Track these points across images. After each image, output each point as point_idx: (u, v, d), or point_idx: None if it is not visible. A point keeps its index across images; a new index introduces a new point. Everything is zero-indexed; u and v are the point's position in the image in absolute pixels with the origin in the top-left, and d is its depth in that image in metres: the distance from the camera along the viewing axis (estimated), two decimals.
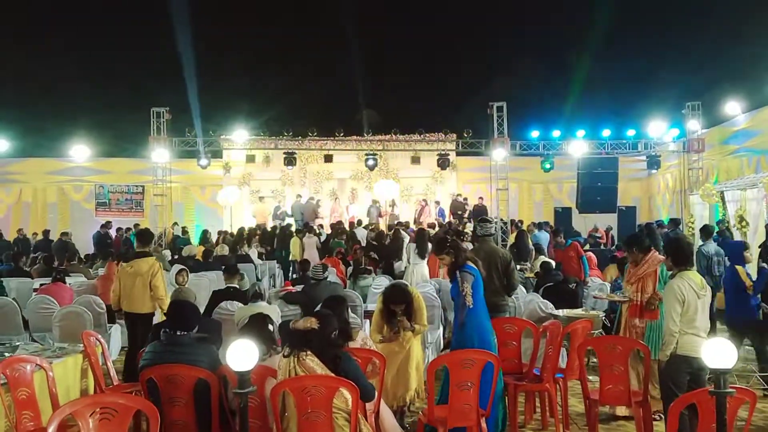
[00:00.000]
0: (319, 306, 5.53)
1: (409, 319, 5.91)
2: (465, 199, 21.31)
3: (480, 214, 19.74)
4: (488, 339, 5.76)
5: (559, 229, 13.43)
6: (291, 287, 9.47)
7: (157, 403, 4.43)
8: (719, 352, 3.44)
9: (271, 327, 5.26)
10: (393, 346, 5.88)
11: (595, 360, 6.77)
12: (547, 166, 19.00)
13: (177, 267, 8.59)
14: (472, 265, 5.87)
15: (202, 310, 8.20)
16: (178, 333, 4.79)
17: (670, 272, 5.38)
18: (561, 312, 7.84)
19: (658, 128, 18.84)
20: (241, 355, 3.59)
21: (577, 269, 11.25)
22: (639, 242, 6.63)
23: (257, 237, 17.61)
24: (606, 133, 19.20)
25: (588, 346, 5.96)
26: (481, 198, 20.92)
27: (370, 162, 19.62)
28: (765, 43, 17.39)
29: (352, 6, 22.24)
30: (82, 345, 6.14)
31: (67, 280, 10.48)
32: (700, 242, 9.85)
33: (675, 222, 14.17)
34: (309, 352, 4.22)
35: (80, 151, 21.98)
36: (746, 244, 8.25)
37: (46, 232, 18.61)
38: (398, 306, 5.91)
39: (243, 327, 5.34)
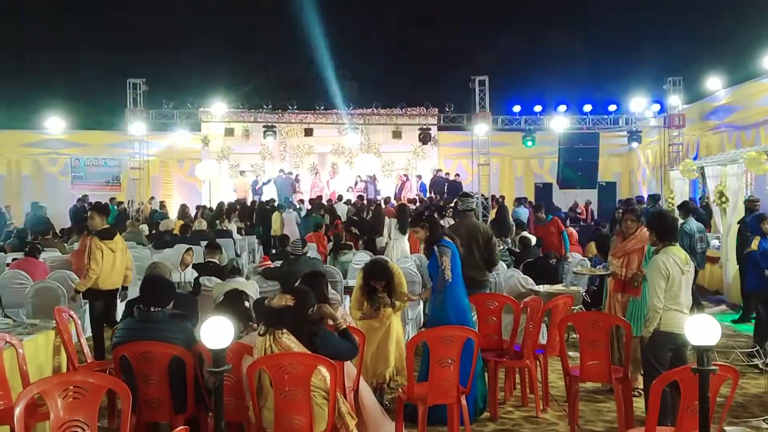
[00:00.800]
0: (298, 282, 5.44)
1: (390, 296, 5.83)
2: (447, 174, 21.22)
3: (455, 190, 19.73)
4: (466, 315, 5.72)
5: (540, 205, 13.39)
6: (269, 262, 9.34)
7: (130, 382, 4.34)
8: (702, 329, 3.38)
9: (247, 303, 5.16)
10: (373, 322, 5.81)
11: (575, 336, 6.76)
12: (529, 143, 18.91)
13: (183, 246, 8.18)
14: (449, 240, 5.81)
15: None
16: (152, 309, 4.68)
17: (653, 248, 5.31)
18: (541, 288, 7.81)
19: (639, 104, 18.81)
20: (217, 332, 3.48)
21: (558, 245, 11.24)
22: (635, 212, 6.57)
23: (236, 212, 17.44)
24: (587, 108, 19.13)
25: (568, 322, 5.93)
26: (457, 174, 20.84)
27: (351, 136, 19.44)
28: (746, 19, 17.38)
29: None
30: (54, 321, 5.99)
31: (42, 255, 10.29)
32: (681, 220, 9.84)
33: (654, 198, 14.20)
34: (285, 330, 4.12)
35: (55, 123, 21.52)
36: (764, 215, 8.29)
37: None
38: (379, 282, 5.82)
39: (218, 304, 5.23)
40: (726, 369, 3.81)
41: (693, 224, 9.90)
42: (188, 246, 8.88)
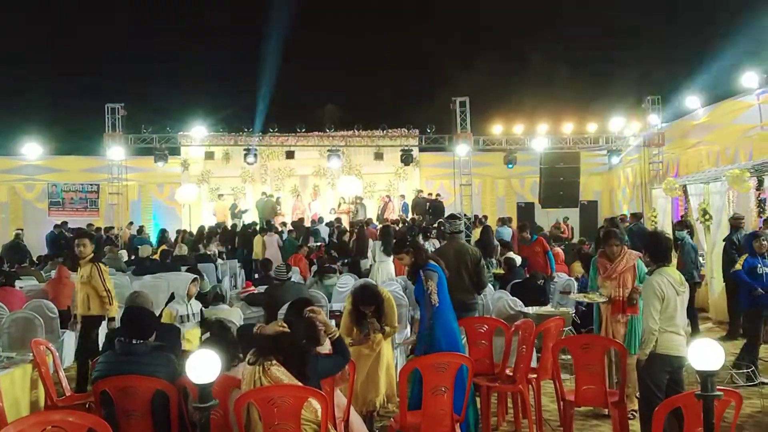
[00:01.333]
0: (285, 309, 5.27)
1: (380, 321, 5.70)
2: (430, 194, 21.12)
3: (438, 210, 19.68)
4: (456, 340, 5.59)
5: (525, 224, 13.34)
6: (253, 288, 9.18)
7: (111, 417, 4.16)
8: (706, 354, 3.30)
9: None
10: (363, 348, 5.66)
11: (564, 357, 6.65)
12: (510, 165, 18.96)
13: (189, 275, 7.86)
14: (435, 263, 5.70)
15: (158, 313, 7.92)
16: (134, 342, 4.50)
17: (648, 268, 5.24)
18: (530, 309, 7.72)
19: (618, 123, 18.95)
20: (202, 366, 3.33)
21: (543, 265, 11.16)
22: (617, 235, 6.46)
23: (217, 236, 17.21)
24: (567, 127, 19.24)
25: (562, 345, 5.83)
26: (438, 194, 20.80)
27: (333, 159, 19.32)
28: (723, 37, 17.62)
29: (313, 1, 21.95)
30: (31, 354, 5.79)
31: (18, 283, 10.03)
32: (685, 235, 9.91)
33: (636, 216, 14.16)
34: (275, 361, 3.96)
35: (32, 149, 21.19)
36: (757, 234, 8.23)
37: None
38: (368, 307, 5.69)
39: (205, 340, 5.03)
40: (730, 394, 3.72)
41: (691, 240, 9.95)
42: (194, 276, 8.49)
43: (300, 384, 3.94)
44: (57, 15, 23.37)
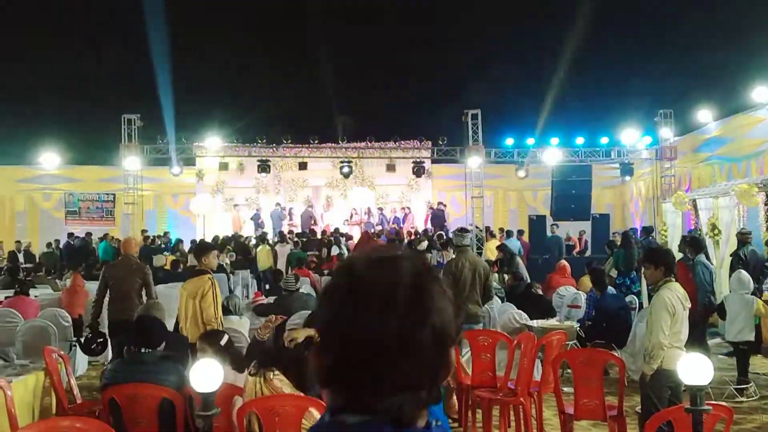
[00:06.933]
0: (298, 320, 5.35)
1: None
2: (444, 205, 21.12)
3: (438, 219, 19.76)
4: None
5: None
6: (262, 298, 9.30)
7: (119, 425, 4.28)
8: (695, 369, 3.38)
9: (223, 342, 4.94)
10: None
11: (569, 371, 6.71)
12: (522, 174, 19.04)
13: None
14: None
15: (173, 323, 8.05)
16: (143, 350, 4.63)
17: (653, 283, 5.22)
18: (535, 323, 7.78)
19: (630, 136, 18.96)
20: (205, 375, 3.46)
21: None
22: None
23: (231, 245, 17.37)
24: (579, 140, 19.28)
25: (563, 358, 5.90)
26: (440, 203, 20.85)
27: (345, 170, 19.47)
28: (735, 52, 17.60)
29: (326, 14, 22.17)
30: (44, 362, 5.94)
31: (33, 292, 10.24)
32: (692, 255, 9.03)
33: (647, 230, 14.20)
34: (276, 371, 4.08)
35: (50, 159, 21.56)
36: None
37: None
38: None
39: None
40: (720, 408, 3.78)
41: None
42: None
43: (301, 394, 4.05)
44: (74, 26, 23.73)
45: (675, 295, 4.91)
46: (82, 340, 7.85)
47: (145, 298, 7.49)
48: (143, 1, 18.58)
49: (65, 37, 23.69)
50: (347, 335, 1.20)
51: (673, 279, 5.08)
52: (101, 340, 7.76)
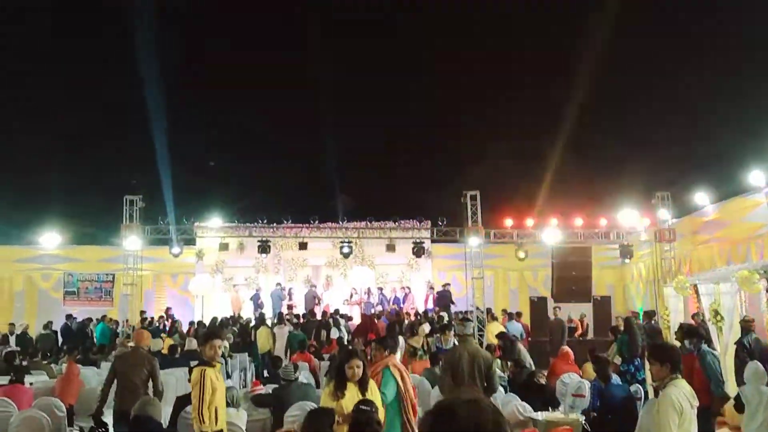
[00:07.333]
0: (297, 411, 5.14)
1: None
2: (447, 284, 20.96)
3: (444, 299, 19.62)
4: None
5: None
6: (261, 387, 9.13)
7: None
8: None
9: None
10: None
11: None
12: (522, 255, 19.05)
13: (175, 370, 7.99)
14: None
15: (170, 411, 7.89)
16: None
17: (658, 381, 5.09)
18: (540, 415, 7.62)
19: (629, 217, 19.07)
20: None
21: None
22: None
23: (229, 328, 17.16)
24: (578, 221, 19.38)
25: None
26: (446, 284, 20.74)
27: (345, 250, 19.49)
28: (731, 135, 17.93)
29: (326, 92, 22.67)
30: None
31: (29, 378, 10.07)
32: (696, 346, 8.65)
33: (649, 314, 14.10)
34: None
35: (50, 239, 21.60)
36: None
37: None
38: None
39: None
40: None
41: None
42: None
43: None
44: (77, 107, 24.22)
45: (682, 392, 4.81)
46: (87, 430, 7.78)
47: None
48: (144, 82, 19.10)
49: (67, 116, 24.18)
50: None
51: (679, 376, 4.99)
52: (103, 430, 7.69)
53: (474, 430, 1.69)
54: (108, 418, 7.91)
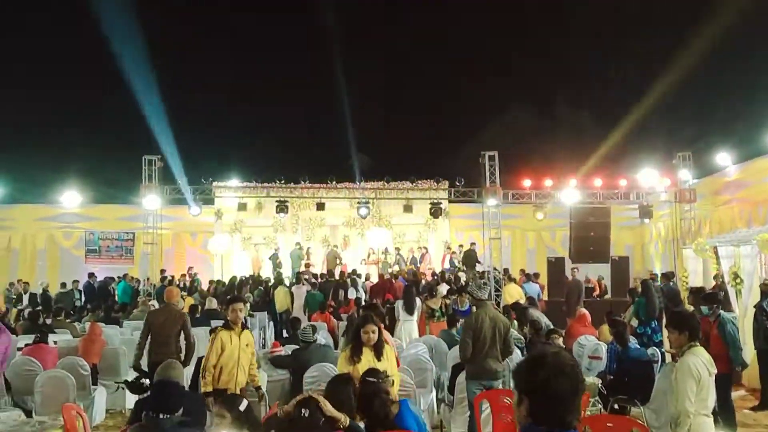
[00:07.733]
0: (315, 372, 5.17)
1: None
2: (473, 243, 20.89)
3: (470, 259, 19.60)
4: None
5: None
6: (280, 348, 9.24)
7: None
8: None
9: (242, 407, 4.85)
10: None
11: None
12: (540, 216, 18.95)
13: None
14: None
15: (191, 371, 8.05)
16: (161, 416, 4.59)
17: (676, 348, 5.08)
18: None
19: (649, 178, 18.86)
20: None
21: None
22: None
23: (248, 287, 17.37)
24: (597, 181, 19.19)
25: (586, 424, 5.78)
26: (472, 243, 20.66)
27: (363, 211, 19.53)
28: (753, 96, 17.57)
29: (346, 55, 22.47)
30: (62, 418, 5.94)
31: (53, 337, 10.27)
32: (719, 312, 8.54)
33: (668, 276, 13.97)
34: None
35: (71, 198, 21.82)
36: None
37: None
38: None
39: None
40: None
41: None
42: None
43: None
44: (97, 68, 24.21)
45: (700, 360, 4.80)
46: (129, 380, 8.16)
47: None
48: (166, 45, 18.98)
49: (87, 77, 24.17)
50: (555, 390, 2.36)
51: (698, 344, 4.98)
52: (145, 379, 7.93)
53: (559, 370, 2.35)
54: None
